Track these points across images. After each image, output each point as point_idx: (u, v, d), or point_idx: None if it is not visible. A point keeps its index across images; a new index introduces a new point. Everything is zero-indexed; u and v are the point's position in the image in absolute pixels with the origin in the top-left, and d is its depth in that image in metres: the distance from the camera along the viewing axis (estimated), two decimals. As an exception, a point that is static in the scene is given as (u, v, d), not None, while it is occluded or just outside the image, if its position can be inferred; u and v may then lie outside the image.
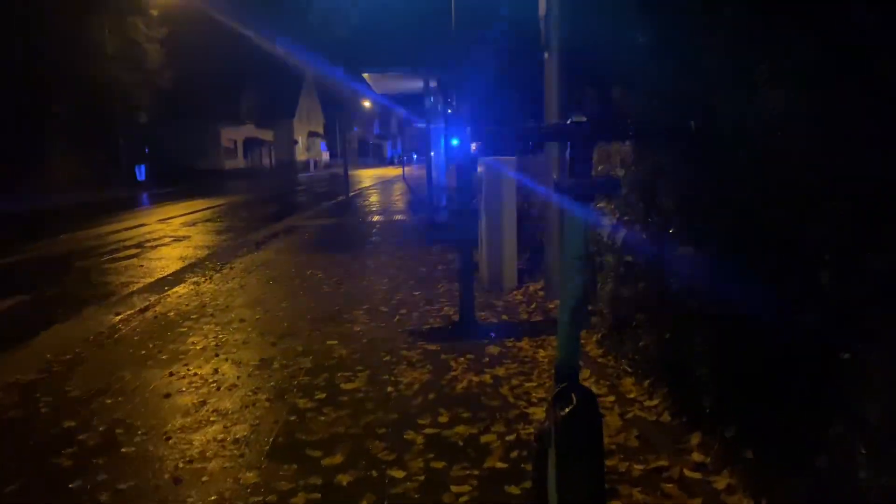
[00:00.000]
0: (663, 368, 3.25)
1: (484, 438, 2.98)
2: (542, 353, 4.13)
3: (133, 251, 10.43)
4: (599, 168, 4.09)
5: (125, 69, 30.47)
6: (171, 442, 3.04)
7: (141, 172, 33.76)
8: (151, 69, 32.28)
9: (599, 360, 3.91)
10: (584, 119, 1.60)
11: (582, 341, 4.24)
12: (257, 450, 2.94)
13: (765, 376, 2.32)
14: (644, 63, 3.09)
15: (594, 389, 3.42)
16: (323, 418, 3.26)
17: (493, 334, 4.56)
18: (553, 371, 1.93)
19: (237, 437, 3.08)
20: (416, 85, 12.94)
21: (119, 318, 5.54)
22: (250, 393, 3.65)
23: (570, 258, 1.72)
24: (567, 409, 1.78)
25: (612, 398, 3.32)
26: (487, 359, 4.07)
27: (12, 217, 17.89)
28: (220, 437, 3.09)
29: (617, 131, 1.63)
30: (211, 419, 3.31)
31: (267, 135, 52.05)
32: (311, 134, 61.18)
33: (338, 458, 2.83)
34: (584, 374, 3.70)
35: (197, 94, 38.86)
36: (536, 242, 6.24)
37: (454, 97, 5.17)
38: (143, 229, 13.71)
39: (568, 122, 1.61)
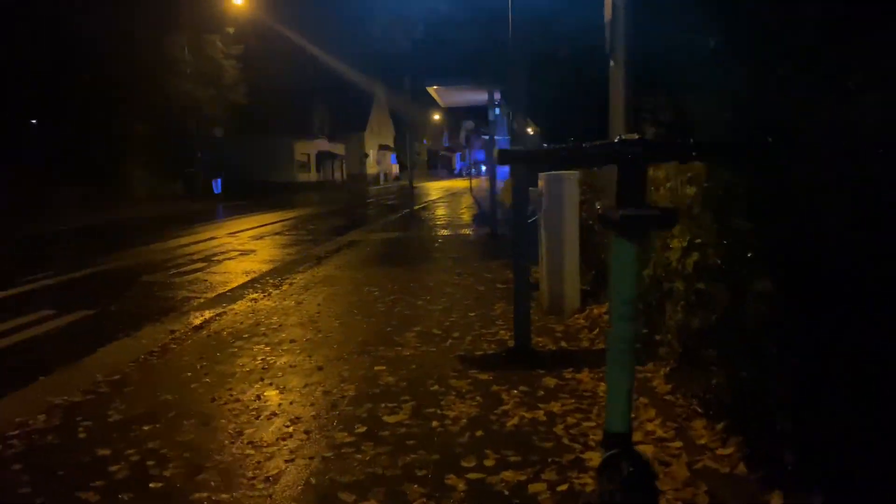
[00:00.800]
0: (739, 412, 2.89)
1: (532, 487, 2.69)
2: (603, 387, 3.79)
3: (199, 265, 10.57)
4: (667, 185, 3.76)
5: (202, 85, 31.59)
6: (200, 478, 2.88)
7: (217, 186, 34.80)
8: (227, 85, 33.35)
9: (667, 397, 3.55)
10: (636, 137, 1.32)
11: (649, 374, 3.91)
12: (287, 492, 2.73)
13: (862, 437, 1.96)
14: (715, 70, 2.76)
15: (659, 432, 3.09)
16: (360, 456, 3.04)
17: (549, 364, 4.25)
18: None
19: (269, 474, 2.89)
20: (481, 97, 12.73)
21: (172, 336, 5.49)
22: (289, 423, 3.46)
23: (619, 303, 1.43)
24: (616, 484, 1.48)
25: (678, 444, 2.97)
26: (542, 392, 3.76)
27: (92, 231, 18.61)
28: (251, 474, 2.90)
29: (674, 151, 1.35)
30: (246, 452, 3.13)
31: (338, 148, 52.97)
32: (382, 147, 61.97)
33: (371, 505, 2.60)
34: (650, 413, 3.35)
35: (271, 109, 39.91)
36: (601, 261, 5.89)
37: (512, 109, 4.92)
38: (212, 242, 13.97)
39: (616, 140, 1.33)
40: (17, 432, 3.45)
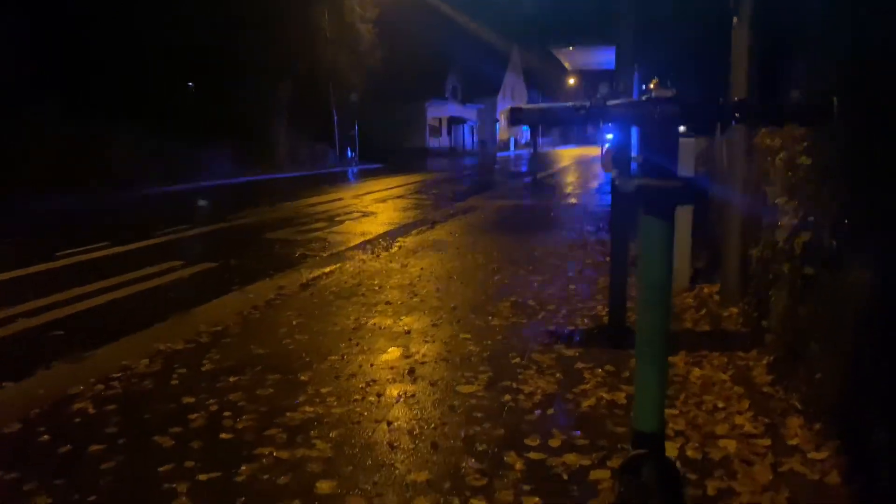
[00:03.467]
0: (840, 413, 2.56)
1: (595, 474, 2.53)
2: (696, 372, 3.51)
3: (321, 224, 10.95)
4: (781, 155, 3.38)
5: (340, 51, 32.43)
6: (267, 433, 2.95)
7: (352, 149, 35.90)
8: (363, 50, 34.03)
9: (765, 389, 3.23)
10: (669, 94, 1.13)
11: (751, 363, 3.59)
12: (346, 455, 2.74)
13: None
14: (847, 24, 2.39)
15: (748, 427, 2.83)
16: (424, 425, 2.99)
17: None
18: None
19: (333, 436, 2.91)
20: (610, 59, 12.16)
21: (279, 292, 5.70)
22: (363, 386, 3.48)
23: (646, 287, 1.25)
24: (633, 492, 1.33)
25: (766, 442, 2.68)
26: (628, 373, 3.54)
27: (232, 188, 19.82)
28: (316, 433, 2.94)
29: (715, 113, 1.13)
30: (317, 412, 3.18)
31: (470, 113, 52.99)
32: (514, 112, 61.19)
33: (423, 475, 2.54)
34: (742, 405, 3.06)
35: (404, 74, 40.41)
36: (716, 237, 5.46)
37: (620, 69, 4.60)
38: (337, 204, 14.44)
39: (644, 98, 1.15)
40: (119, 375, 3.71)
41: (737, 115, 1.12)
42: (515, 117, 1.23)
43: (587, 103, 1.21)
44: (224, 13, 24.80)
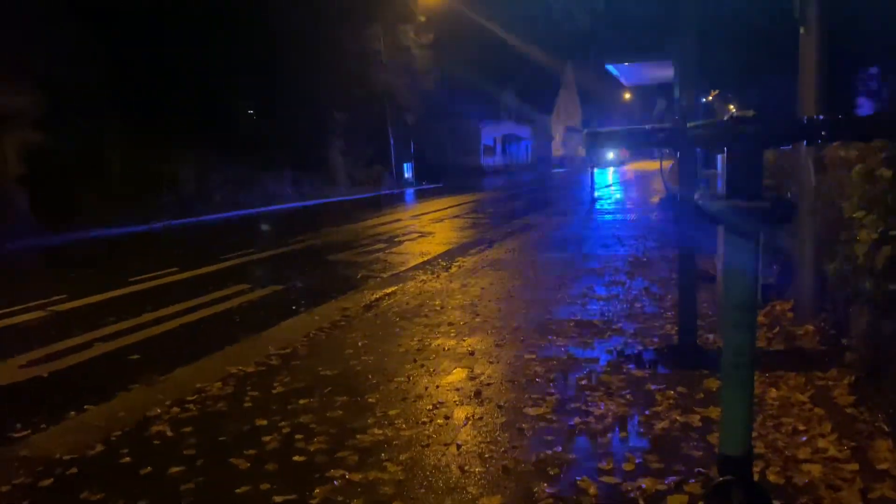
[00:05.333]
0: (934, 437, 2.44)
1: (672, 499, 2.47)
2: (773, 393, 3.39)
3: (380, 246, 11.08)
4: (858, 167, 3.26)
5: (396, 74, 32.96)
6: (339, 455, 2.98)
7: (408, 170, 36.33)
8: (419, 72, 34.50)
9: (848, 410, 3.10)
10: (751, 114, 1.11)
11: (831, 383, 3.45)
12: (417, 478, 2.75)
13: None
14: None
15: (833, 450, 2.72)
16: (494, 447, 2.98)
17: (715, 364, 3.89)
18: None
19: (402, 460, 2.92)
20: (666, 73, 11.99)
21: (344, 314, 5.78)
22: (431, 408, 3.49)
23: (732, 308, 1.23)
24: (724, 519, 1.30)
25: (854, 466, 2.57)
26: (702, 394, 3.45)
27: (294, 213, 20.26)
28: (386, 456, 2.96)
29: (799, 131, 1.10)
30: (386, 434, 3.20)
31: (524, 131, 52.93)
32: (568, 129, 60.95)
33: (496, 500, 2.53)
34: (825, 427, 2.94)
35: (459, 94, 40.70)
36: (787, 252, 5.30)
37: (680, 83, 4.50)
38: (395, 225, 14.59)
39: (726, 118, 1.13)
40: (194, 397, 3.82)
41: (823, 133, 1.09)
42: (593, 141, 1.23)
43: (667, 125, 1.20)
44: (277, 37, 25.51)
